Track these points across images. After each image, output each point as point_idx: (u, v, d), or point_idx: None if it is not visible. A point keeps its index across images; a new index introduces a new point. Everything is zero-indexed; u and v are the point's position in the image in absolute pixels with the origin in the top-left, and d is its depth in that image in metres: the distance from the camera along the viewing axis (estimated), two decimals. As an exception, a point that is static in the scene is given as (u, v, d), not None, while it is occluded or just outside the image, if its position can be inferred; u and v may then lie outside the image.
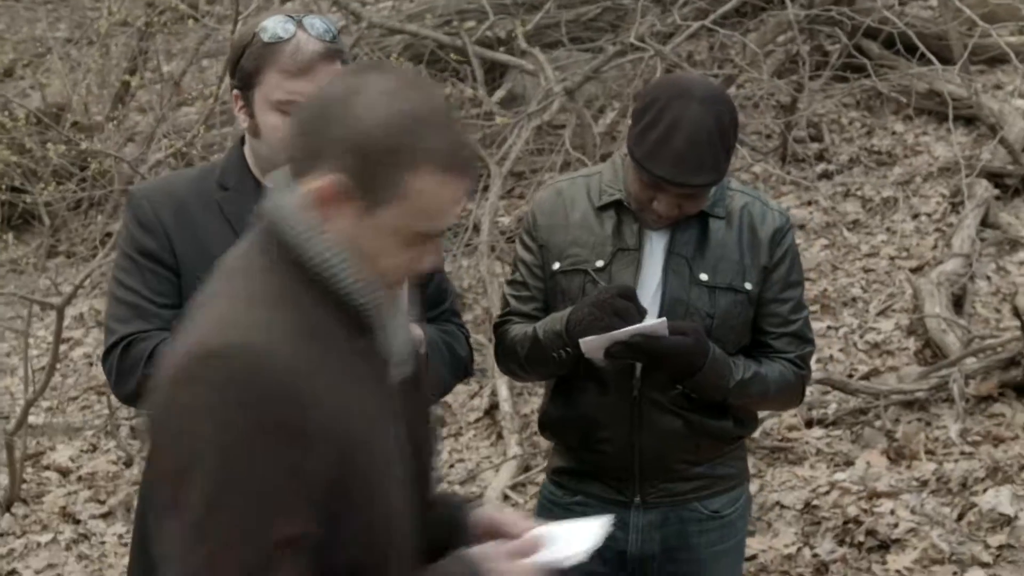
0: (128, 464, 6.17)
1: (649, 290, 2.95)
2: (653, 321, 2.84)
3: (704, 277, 2.95)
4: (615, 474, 3.04)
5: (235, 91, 2.68)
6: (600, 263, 2.97)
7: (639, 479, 3.02)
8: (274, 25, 2.63)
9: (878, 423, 5.62)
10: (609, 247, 2.98)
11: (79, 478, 6.14)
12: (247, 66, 2.64)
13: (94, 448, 6.41)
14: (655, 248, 2.97)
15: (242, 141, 2.79)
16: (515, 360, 3.06)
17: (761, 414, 5.25)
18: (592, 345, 2.84)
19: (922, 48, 6.69)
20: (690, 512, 3.06)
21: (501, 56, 7.81)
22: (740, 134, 7.63)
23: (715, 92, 2.89)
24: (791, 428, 5.70)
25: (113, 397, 6.37)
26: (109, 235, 7.09)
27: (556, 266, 3.02)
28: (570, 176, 3.15)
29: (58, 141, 5.60)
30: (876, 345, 6.23)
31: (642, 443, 2.99)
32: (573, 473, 3.12)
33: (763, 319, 3.02)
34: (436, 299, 2.90)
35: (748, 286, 2.97)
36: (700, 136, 2.79)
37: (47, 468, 6.24)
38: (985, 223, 6.84)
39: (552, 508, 3.14)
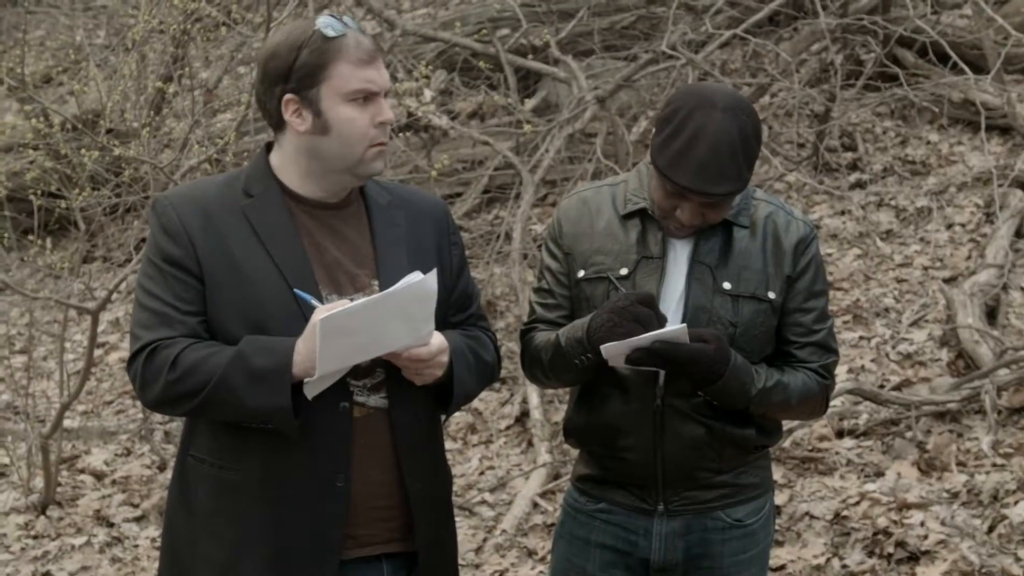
0: (162, 468, 6.24)
1: (673, 298, 2.97)
2: (674, 327, 2.86)
3: (727, 286, 2.97)
4: (638, 482, 3.05)
5: (288, 95, 2.68)
6: (624, 271, 2.99)
7: (662, 487, 3.04)
8: (329, 23, 2.67)
9: (909, 434, 5.61)
10: (633, 255, 3.00)
11: (113, 482, 6.21)
12: (309, 63, 2.65)
13: (128, 452, 6.48)
14: (679, 256, 2.99)
15: (267, 149, 2.80)
16: (539, 367, 3.09)
17: (790, 424, 5.30)
18: (613, 351, 2.86)
19: (955, 57, 6.67)
20: (713, 521, 3.06)
21: (534, 64, 7.86)
22: (773, 143, 7.70)
23: (738, 101, 2.90)
24: (822, 438, 5.70)
25: (146, 401, 6.48)
26: (144, 241, 7.16)
27: (581, 274, 3.04)
28: (595, 185, 3.16)
29: (92, 147, 5.67)
30: (908, 356, 6.22)
31: (665, 451, 3.01)
32: (597, 480, 3.13)
33: (787, 328, 3.03)
34: (462, 304, 2.92)
35: (771, 295, 2.99)
36: (722, 145, 2.81)
37: (82, 471, 6.31)
38: (1019, 234, 6.82)
39: (576, 515, 3.16)
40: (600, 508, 3.12)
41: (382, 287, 2.70)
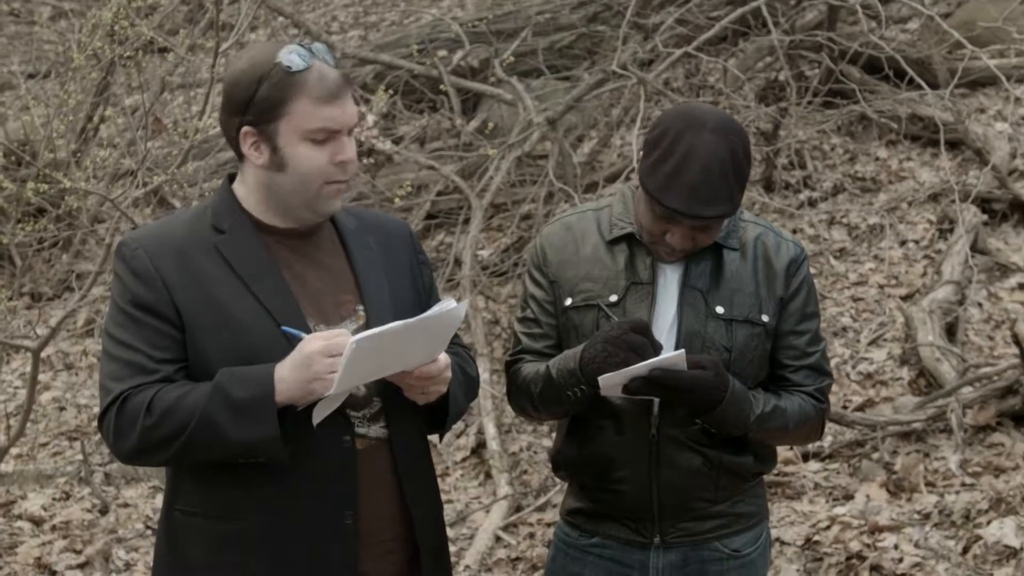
0: (104, 512, 6.11)
1: (665, 324, 2.97)
2: (671, 354, 2.85)
3: (720, 310, 2.97)
4: (633, 514, 3.04)
5: (246, 128, 2.64)
6: (614, 297, 2.98)
7: (658, 519, 3.02)
8: (291, 55, 2.61)
9: (876, 455, 5.65)
10: (622, 281, 2.99)
11: (53, 527, 6.07)
12: (270, 98, 2.60)
13: (67, 496, 6.34)
14: (669, 281, 2.99)
15: (230, 179, 2.76)
16: (528, 399, 3.06)
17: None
18: (609, 382, 2.84)
19: (911, 72, 6.76)
20: (711, 552, 3.06)
21: (478, 86, 7.85)
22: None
23: (727, 121, 2.90)
24: (787, 462, 5.71)
25: (87, 442, 6.36)
26: (79, 276, 7.05)
27: (568, 301, 3.03)
28: (579, 210, 3.15)
29: (30, 179, 5.55)
30: (869, 375, 6.27)
31: (661, 481, 3.00)
32: (589, 514, 3.11)
33: (780, 352, 3.03)
34: None
35: (765, 318, 2.99)
36: (713, 167, 2.81)
37: (19, 518, 6.16)
38: (974, 249, 6.91)
39: (568, 550, 3.13)
40: (593, 543, 3.10)
41: (368, 312, 2.70)
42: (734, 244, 3.01)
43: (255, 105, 2.61)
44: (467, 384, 2.87)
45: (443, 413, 2.79)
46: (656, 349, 2.85)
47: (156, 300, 2.60)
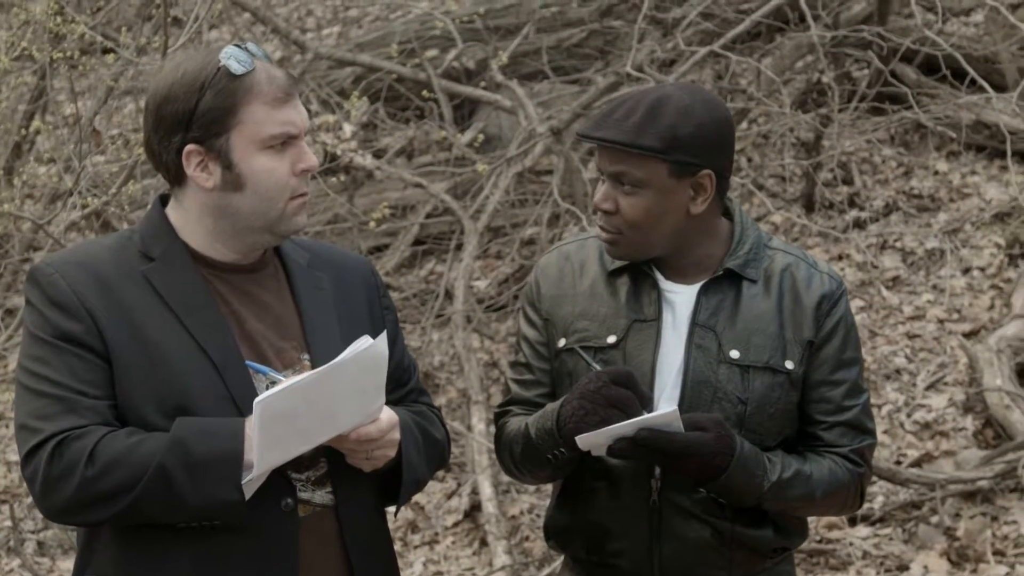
0: (35, 587, 6.06)
1: (671, 369, 2.92)
2: (662, 412, 2.79)
3: (735, 354, 2.91)
4: (633, 593, 2.98)
5: (190, 146, 2.62)
6: (612, 338, 2.94)
7: (661, 598, 2.97)
8: (233, 56, 2.62)
9: (935, 519, 5.60)
10: (623, 319, 2.94)
11: (-23, 605, 6.04)
12: (215, 107, 2.61)
13: (-7, 568, 6.31)
14: (678, 318, 2.94)
15: (162, 202, 2.76)
16: (512, 460, 3.03)
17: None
18: (590, 441, 2.80)
19: (972, 73, 6.70)
20: (725, 638, 3.00)
21: (473, 91, 7.81)
22: (757, 177, 7.68)
23: (699, 89, 2.98)
24: (832, 527, 5.69)
25: (17, 506, 6.31)
26: (9, 312, 7.00)
27: (562, 343, 2.99)
28: (579, 237, 3.12)
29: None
30: (927, 425, 6.23)
31: (663, 555, 2.94)
32: (584, 592, 3.06)
33: (811, 405, 2.97)
34: (399, 379, 2.89)
35: (789, 365, 2.93)
36: (642, 98, 2.87)
37: (-64, 594, 6.14)
38: (1050, 277, 6.87)
39: (562, 631, 3.09)
40: (590, 622, 3.04)
41: (314, 361, 2.69)
42: (754, 275, 2.95)
43: (199, 118, 2.62)
44: (430, 447, 2.84)
45: (397, 482, 2.76)
46: (645, 403, 2.81)
47: (83, 332, 2.60)
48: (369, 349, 2.56)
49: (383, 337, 2.60)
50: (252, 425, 2.50)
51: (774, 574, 3.04)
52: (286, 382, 2.54)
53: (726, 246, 2.97)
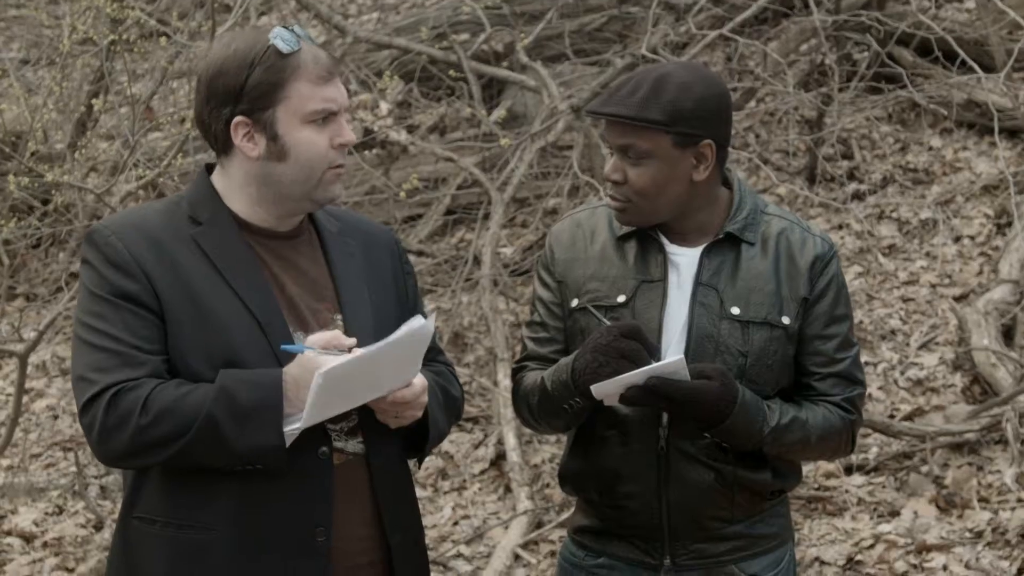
0: (98, 527, 6.11)
1: (677, 326, 2.93)
2: (669, 360, 2.81)
3: (736, 311, 2.92)
4: (641, 533, 2.99)
5: (238, 118, 2.64)
6: (622, 298, 2.95)
7: (668, 539, 2.97)
8: (282, 35, 2.64)
9: (925, 468, 5.58)
10: (631, 280, 2.96)
11: (45, 544, 6.07)
12: (264, 82, 2.62)
13: (60, 510, 6.35)
14: (682, 278, 2.95)
15: (208, 170, 2.77)
16: (528, 411, 3.04)
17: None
18: (604, 391, 2.81)
19: (962, 55, 6.66)
20: None
21: (500, 71, 7.81)
22: (763, 151, 7.66)
23: (699, 67, 3.03)
24: (829, 475, 5.67)
25: (82, 454, 6.35)
26: (74, 275, 7.04)
27: (575, 303, 3.00)
28: (591, 205, 3.13)
29: (19, 172, 5.55)
30: (919, 382, 6.21)
31: (670, 498, 2.95)
32: (596, 532, 3.07)
33: (805, 358, 2.98)
34: None
35: (785, 320, 2.94)
36: (646, 75, 2.88)
37: (8, 534, 6.17)
38: (1035, 245, 6.81)
39: (573, 571, 3.10)
40: (600, 563, 3.05)
41: (346, 322, 2.71)
42: (752, 238, 2.96)
43: (248, 92, 2.63)
44: (449, 405, 2.87)
45: (422, 437, 2.78)
46: (653, 353, 2.82)
47: (139, 290, 2.61)
48: (420, 328, 2.59)
49: (432, 319, 2.62)
50: (310, 390, 2.50)
51: (771, 515, 3.04)
52: (346, 356, 2.54)
53: (726, 212, 2.98)
